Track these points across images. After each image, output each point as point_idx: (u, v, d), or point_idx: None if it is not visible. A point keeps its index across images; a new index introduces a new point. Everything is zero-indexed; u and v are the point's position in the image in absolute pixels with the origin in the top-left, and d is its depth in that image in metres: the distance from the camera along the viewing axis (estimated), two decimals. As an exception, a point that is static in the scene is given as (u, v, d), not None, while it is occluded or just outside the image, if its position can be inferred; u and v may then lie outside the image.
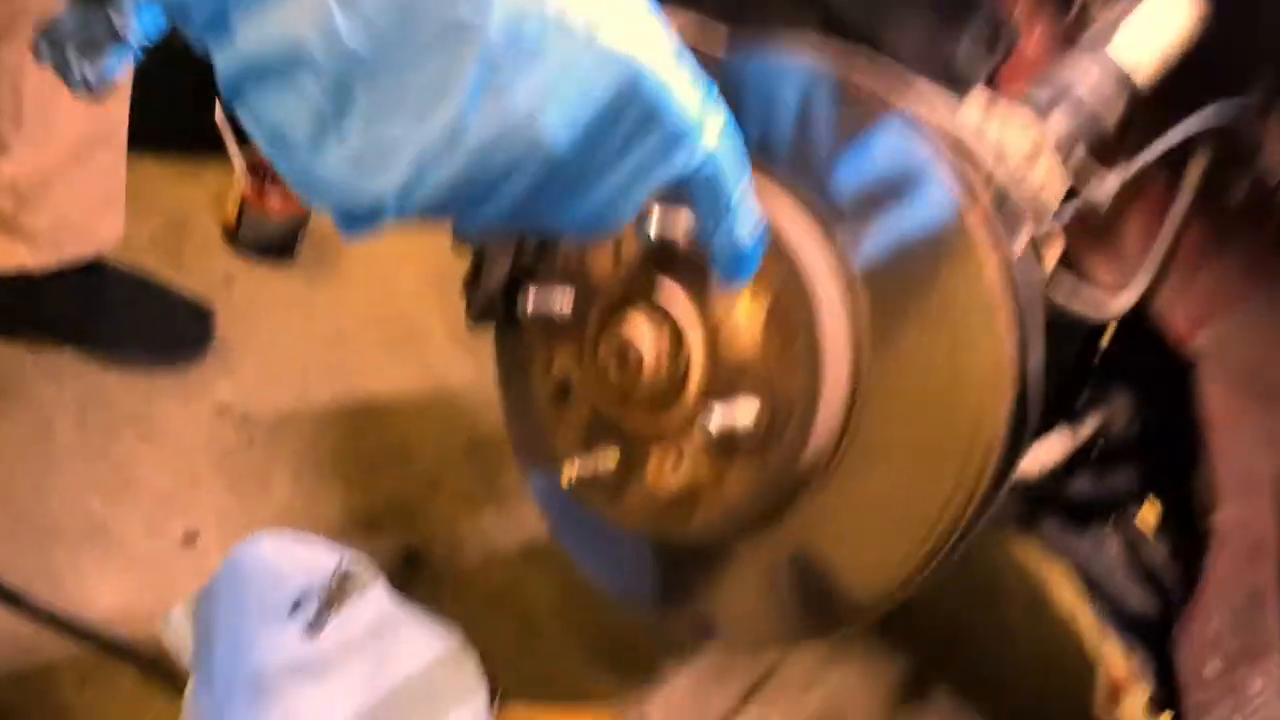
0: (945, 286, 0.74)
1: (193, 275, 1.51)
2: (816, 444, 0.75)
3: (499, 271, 0.94)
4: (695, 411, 0.77)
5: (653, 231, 0.73)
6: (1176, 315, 1.05)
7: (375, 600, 1.07)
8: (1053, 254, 0.89)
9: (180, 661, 0.99)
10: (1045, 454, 1.08)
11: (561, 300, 0.84)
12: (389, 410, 1.53)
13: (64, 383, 1.30)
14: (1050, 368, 1.20)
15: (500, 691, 1.07)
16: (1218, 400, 1.08)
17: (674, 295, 0.78)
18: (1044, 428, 1.12)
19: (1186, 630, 1.10)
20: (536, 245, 0.92)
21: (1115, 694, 1.66)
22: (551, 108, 0.45)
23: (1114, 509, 1.26)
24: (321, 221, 1.71)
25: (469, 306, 0.98)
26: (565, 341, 0.88)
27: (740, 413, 0.73)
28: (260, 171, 1.60)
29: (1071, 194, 0.92)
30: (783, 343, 0.74)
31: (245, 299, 1.55)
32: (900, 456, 0.76)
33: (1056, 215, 0.89)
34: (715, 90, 0.51)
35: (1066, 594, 1.68)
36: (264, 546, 1.07)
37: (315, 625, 1.05)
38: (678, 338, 0.76)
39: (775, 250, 0.74)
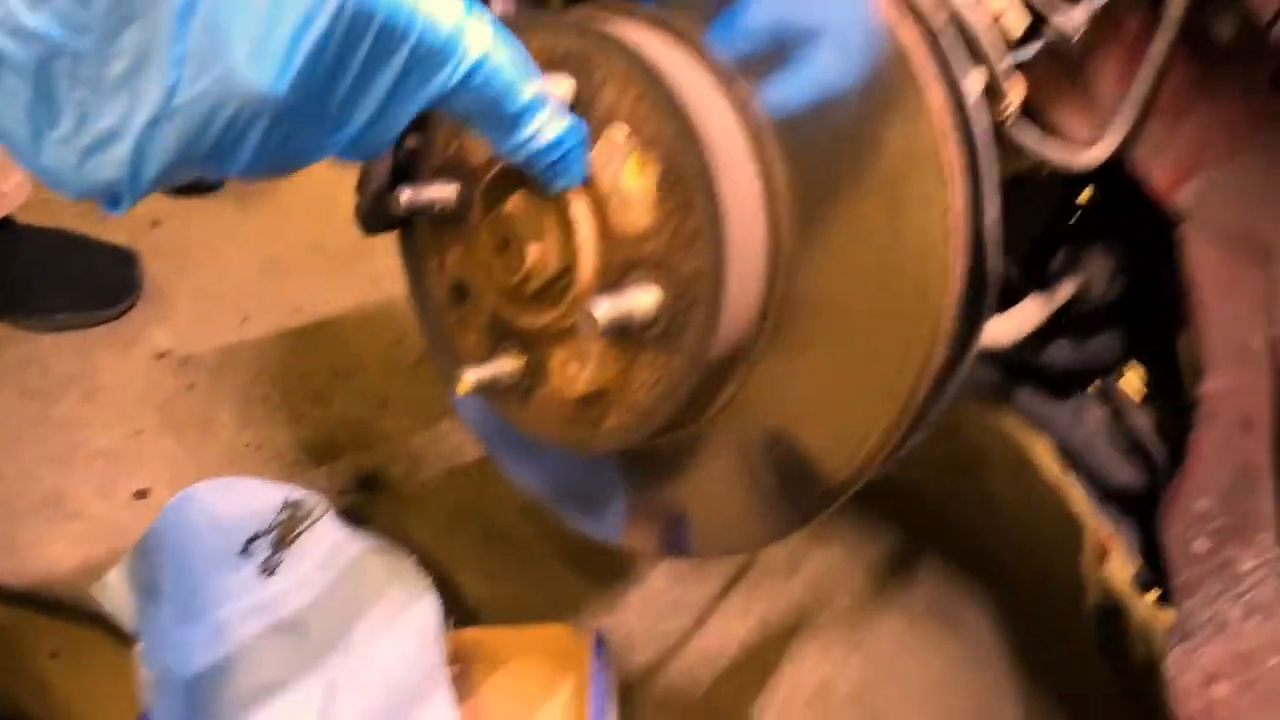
0: (880, 136, 0.63)
1: (116, 224, 1.45)
2: (733, 328, 0.65)
3: (380, 172, 0.84)
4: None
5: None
6: (1158, 169, 0.95)
7: (326, 532, 1.06)
8: (1014, 97, 0.77)
9: (122, 623, 0.97)
10: (1019, 321, 1.00)
11: (440, 194, 0.74)
12: (334, 333, 1.48)
13: (1, 352, 1.25)
14: (1020, 228, 1.12)
15: (454, 620, 1.06)
16: (1205, 262, 0.99)
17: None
18: (1017, 292, 1.05)
19: (1173, 505, 1.06)
20: (413, 141, 0.81)
21: (1103, 554, 1.65)
22: (261, 53, 0.44)
23: (1095, 377, 1.19)
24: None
25: (357, 213, 0.87)
26: (454, 239, 0.79)
27: (635, 301, 0.63)
28: None
29: (1036, 28, 0.80)
30: (679, 216, 0.64)
31: (173, 239, 1.50)
32: (843, 327, 0.67)
33: (1016, 50, 0.77)
34: None
35: (1051, 460, 1.64)
36: (202, 496, 1.06)
37: (269, 566, 1.04)
38: (563, 221, 0.66)
39: (663, 108, 0.64)
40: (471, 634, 1.08)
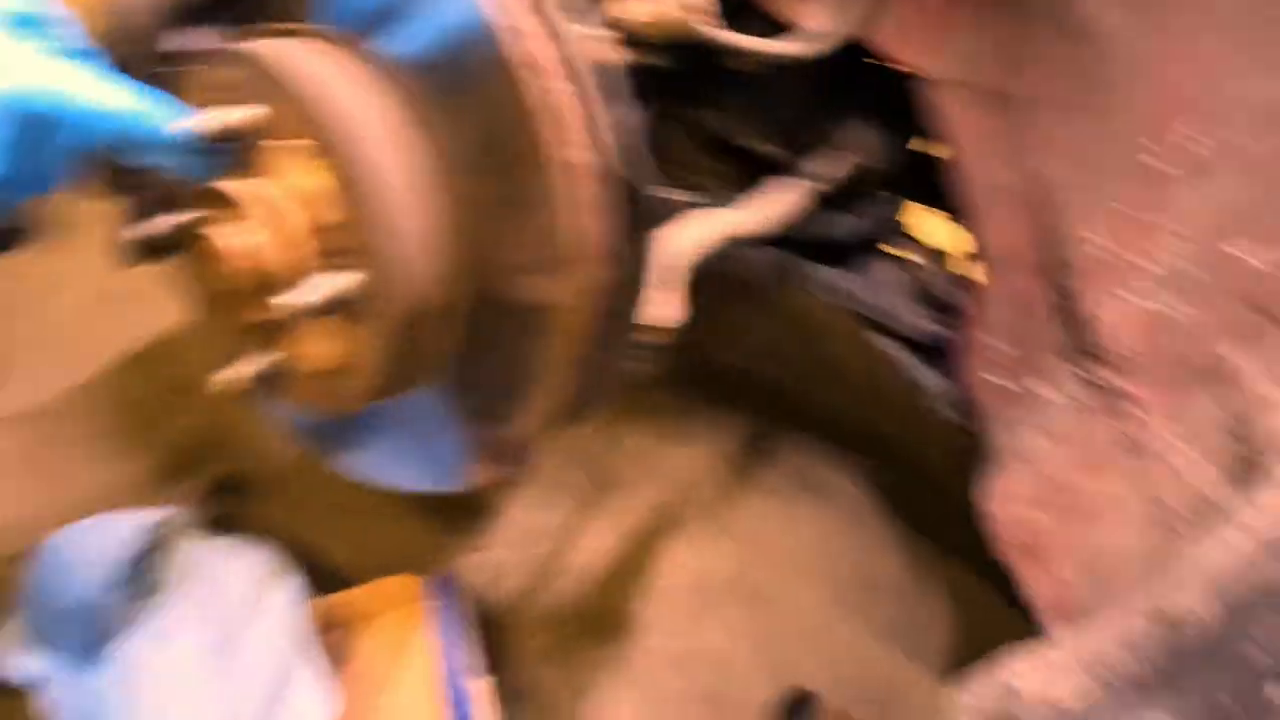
0: (487, 89, 0.68)
1: None
2: (416, 286, 0.71)
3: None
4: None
5: None
6: (906, 45, 0.98)
7: (191, 545, 1.11)
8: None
9: (29, 681, 1.01)
10: (773, 208, 1.02)
11: (155, 226, 0.78)
12: (172, 347, 1.46)
13: None
14: (773, 115, 1.13)
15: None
16: (958, 120, 1.02)
17: (229, 180, 0.72)
18: (785, 173, 1.08)
19: (969, 349, 1.11)
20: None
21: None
22: None
23: (880, 237, 1.23)
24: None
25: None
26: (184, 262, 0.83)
27: (320, 287, 0.69)
28: None
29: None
30: (337, 192, 0.70)
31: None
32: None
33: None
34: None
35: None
36: (59, 544, 1.08)
37: (142, 592, 1.08)
38: (242, 219, 0.72)
39: (299, 99, 0.70)
40: (338, 599, 1.14)
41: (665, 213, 0.89)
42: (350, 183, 0.69)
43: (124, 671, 1.04)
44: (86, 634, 1.05)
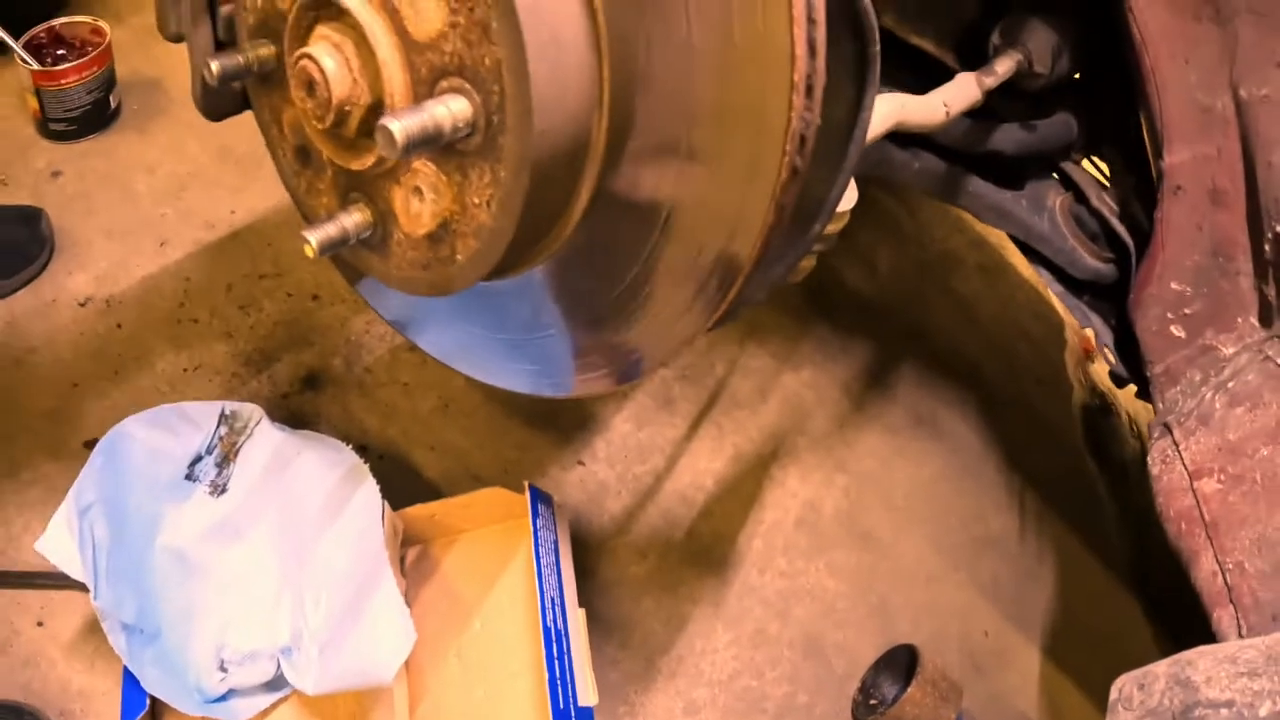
0: None
1: (18, 185, 1.40)
2: (556, 121, 0.59)
3: (201, 48, 0.79)
4: None
5: None
6: None
7: (266, 438, 1.05)
8: None
9: (70, 572, 0.97)
10: (951, 98, 0.90)
11: (254, 55, 0.69)
12: (253, 239, 1.41)
13: None
14: (949, 8, 1.01)
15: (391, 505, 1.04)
16: (1154, 24, 0.89)
17: None
18: (945, 73, 0.96)
19: (1144, 292, 0.99)
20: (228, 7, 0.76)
21: (1086, 352, 1.59)
22: None
23: (1052, 162, 1.10)
24: (136, 73, 1.57)
25: (194, 99, 0.84)
26: (281, 99, 0.74)
27: (437, 110, 0.57)
28: (42, 49, 1.45)
29: None
30: (466, 4, 0.57)
31: (77, 184, 1.42)
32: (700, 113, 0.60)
33: None
34: None
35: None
36: (132, 431, 1.03)
37: (217, 485, 1.03)
38: (363, 44, 0.61)
39: None
40: (420, 511, 1.08)
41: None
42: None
43: (188, 568, 1.00)
44: (149, 527, 1.00)
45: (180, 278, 1.34)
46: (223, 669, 0.96)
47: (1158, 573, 1.33)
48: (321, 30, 0.63)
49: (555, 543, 1.04)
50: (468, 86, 0.58)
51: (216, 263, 1.36)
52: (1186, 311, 0.96)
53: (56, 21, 1.46)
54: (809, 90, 0.54)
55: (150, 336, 1.27)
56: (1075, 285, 1.11)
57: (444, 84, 0.59)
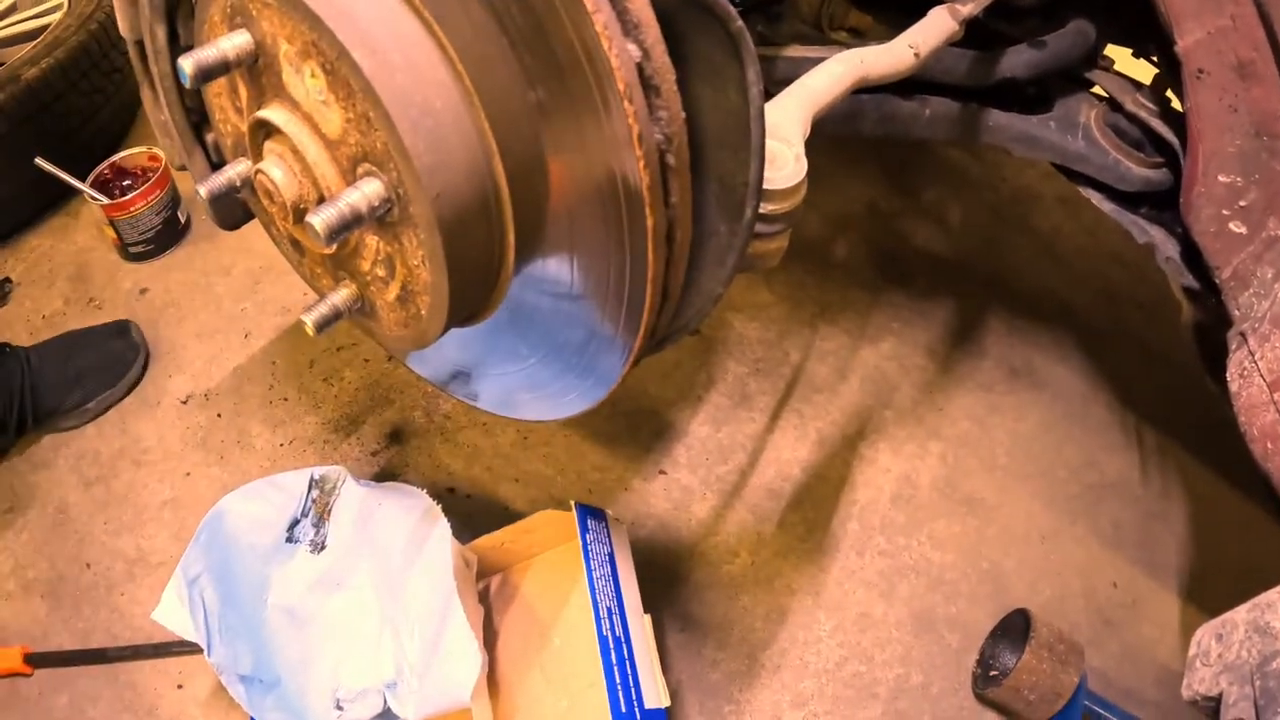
0: None
1: (112, 306, 1.53)
2: (451, 179, 0.62)
3: (198, 175, 0.87)
4: None
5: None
6: None
7: (351, 496, 1.12)
8: None
9: (184, 635, 1.03)
10: (916, 42, 0.84)
11: (235, 172, 0.75)
12: None
13: (54, 463, 1.34)
14: None
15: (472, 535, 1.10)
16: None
17: (276, 111, 0.67)
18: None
19: (1192, 192, 0.91)
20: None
21: None
22: None
23: (1069, 72, 1.02)
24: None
25: (209, 216, 0.96)
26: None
27: (351, 196, 0.62)
28: (108, 184, 1.57)
29: None
30: (349, 100, 0.62)
31: (164, 295, 1.54)
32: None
33: None
34: None
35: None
36: (230, 506, 1.12)
37: (316, 543, 1.12)
38: (298, 152, 0.67)
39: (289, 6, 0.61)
40: (490, 540, 1.11)
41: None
42: (358, 85, 0.60)
43: (299, 620, 1.07)
44: (259, 589, 1.09)
45: (267, 363, 1.43)
46: (339, 707, 1.03)
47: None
48: (269, 145, 0.69)
49: (610, 554, 1.05)
50: (374, 169, 0.63)
51: (297, 344, 1.45)
52: (1242, 204, 0.87)
53: (116, 157, 1.58)
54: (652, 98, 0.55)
55: (247, 421, 1.36)
56: (1129, 199, 1.03)
57: (360, 169, 0.64)
